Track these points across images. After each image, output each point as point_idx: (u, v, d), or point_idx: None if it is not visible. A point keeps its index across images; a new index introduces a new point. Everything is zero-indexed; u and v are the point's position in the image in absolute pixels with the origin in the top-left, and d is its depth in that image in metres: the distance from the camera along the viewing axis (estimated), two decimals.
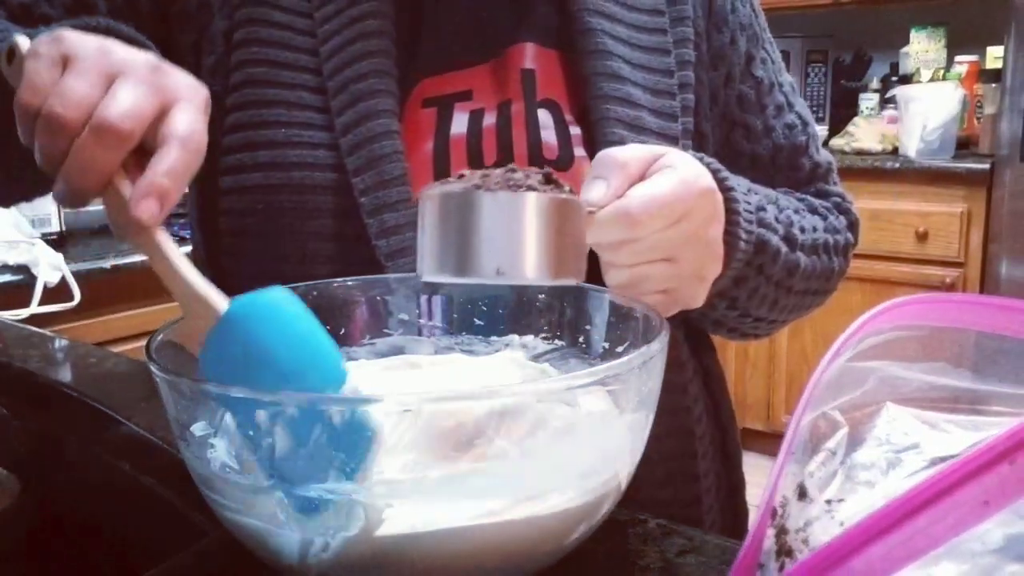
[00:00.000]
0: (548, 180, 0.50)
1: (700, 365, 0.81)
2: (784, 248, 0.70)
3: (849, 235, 0.81)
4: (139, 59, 0.49)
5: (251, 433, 0.42)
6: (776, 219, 0.70)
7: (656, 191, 0.54)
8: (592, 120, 0.72)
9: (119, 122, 0.45)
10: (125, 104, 0.46)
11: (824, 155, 0.84)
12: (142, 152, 0.47)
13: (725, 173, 0.63)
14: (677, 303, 0.60)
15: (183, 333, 0.47)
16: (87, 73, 0.47)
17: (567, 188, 0.51)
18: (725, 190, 0.62)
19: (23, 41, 0.50)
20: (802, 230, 0.73)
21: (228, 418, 0.46)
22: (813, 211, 0.79)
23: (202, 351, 0.45)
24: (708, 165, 0.61)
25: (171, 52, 0.72)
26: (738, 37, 0.78)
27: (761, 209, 0.68)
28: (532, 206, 0.49)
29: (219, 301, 0.45)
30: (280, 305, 0.44)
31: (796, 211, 0.75)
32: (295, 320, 0.44)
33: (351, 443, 0.40)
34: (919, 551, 0.29)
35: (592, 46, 0.72)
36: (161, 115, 0.47)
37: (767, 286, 0.70)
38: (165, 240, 0.46)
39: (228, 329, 0.44)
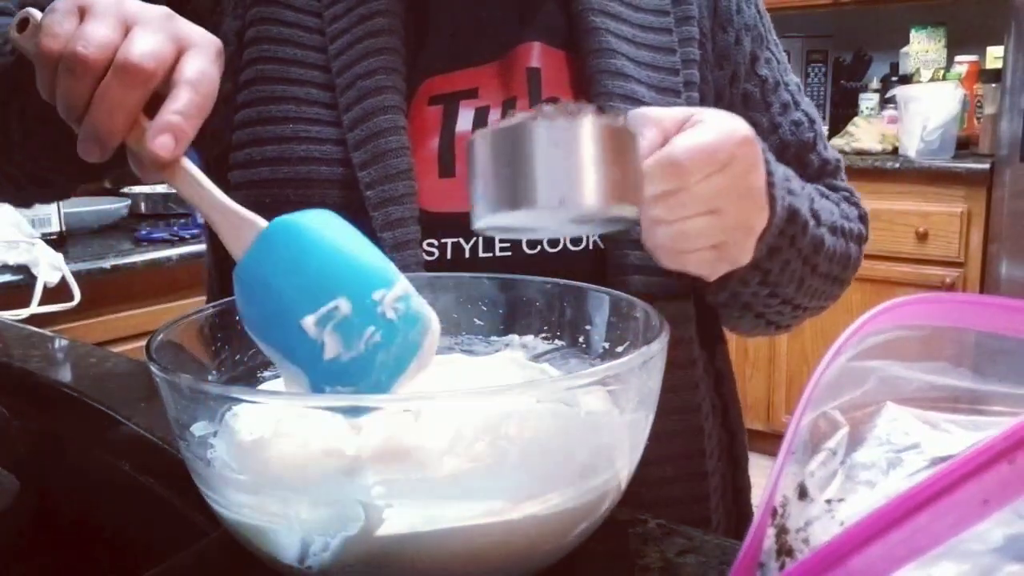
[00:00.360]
0: (601, 110, 0.49)
1: (711, 366, 0.81)
2: (811, 221, 0.70)
3: (860, 226, 0.81)
4: (153, 9, 0.51)
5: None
6: (802, 190, 0.70)
7: (700, 139, 0.54)
8: None
9: (142, 61, 0.48)
10: (146, 46, 0.48)
11: (832, 152, 0.84)
12: (158, 99, 0.49)
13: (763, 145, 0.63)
14: (725, 259, 0.61)
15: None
16: (105, 18, 0.49)
17: (621, 119, 0.50)
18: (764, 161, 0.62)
19: (36, 12, 0.52)
20: (822, 209, 0.73)
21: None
22: (825, 197, 0.79)
23: (245, 258, 0.47)
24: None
25: None
26: (743, 37, 0.79)
27: (788, 179, 0.67)
28: (590, 131, 0.47)
29: (255, 216, 0.48)
30: (326, 219, 0.47)
31: (816, 191, 0.76)
32: (344, 226, 0.47)
33: (402, 351, 0.45)
34: (919, 550, 0.29)
35: (596, 45, 0.73)
36: (176, 61, 0.50)
37: (797, 260, 0.70)
38: (191, 168, 0.49)
39: (275, 238, 0.47)
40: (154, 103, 0.49)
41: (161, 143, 0.47)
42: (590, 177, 0.47)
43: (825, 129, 0.92)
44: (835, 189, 0.83)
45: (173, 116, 0.47)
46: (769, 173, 0.62)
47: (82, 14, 0.50)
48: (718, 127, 0.55)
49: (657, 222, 0.56)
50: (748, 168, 0.58)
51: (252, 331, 0.48)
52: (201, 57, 0.50)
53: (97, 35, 0.48)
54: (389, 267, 0.48)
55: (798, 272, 0.71)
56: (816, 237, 0.71)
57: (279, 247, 0.47)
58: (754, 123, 0.79)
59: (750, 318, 0.79)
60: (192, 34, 0.51)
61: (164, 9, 0.52)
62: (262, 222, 0.48)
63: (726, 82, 0.79)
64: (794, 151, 0.81)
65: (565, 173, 0.47)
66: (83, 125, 0.48)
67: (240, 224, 0.48)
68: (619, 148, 0.48)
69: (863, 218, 0.83)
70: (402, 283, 0.47)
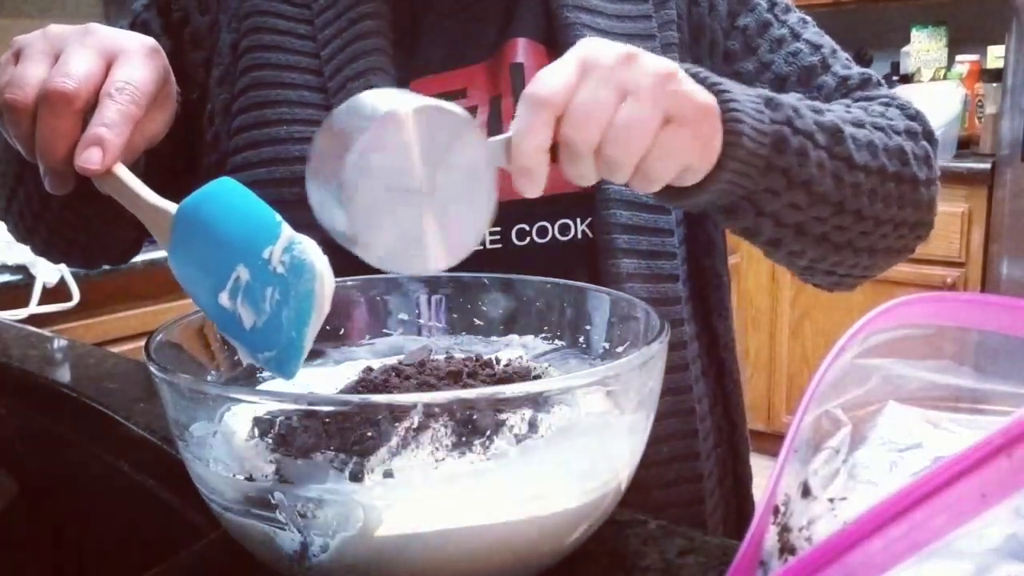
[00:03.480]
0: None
1: (712, 360, 0.81)
2: (809, 111, 0.63)
3: (909, 122, 0.73)
4: (74, 30, 0.53)
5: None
6: (796, 108, 0.62)
7: (544, 68, 0.50)
8: None
9: (63, 85, 0.49)
10: (66, 69, 0.50)
11: (856, 69, 0.80)
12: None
13: (708, 75, 0.58)
14: (692, 119, 0.52)
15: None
16: (33, 57, 0.51)
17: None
18: (711, 85, 0.57)
19: None
20: (831, 110, 0.67)
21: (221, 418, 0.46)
22: (847, 109, 0.72)
23: (169, 253, 0.49)
24: (687, 70, 0.56)
25: (183, 69, 0.76)
26: (717, 3, 0.79)
27: (772, 102, 0.61)
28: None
29: (170, 205, 0.49)
30: (215, 191, 0.48)
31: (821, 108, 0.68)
32: (234, 195, 0.48)
33: (299, 303, 0.45)
34: (918, 545, 0.29)
35: (572, 39, 0.74)
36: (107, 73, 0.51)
37: (809, 163, 0.62)
38: (123, 173, 0.50)
39: (181, 224, 0.48)
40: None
41: (86, 157, 0.48)
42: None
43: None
44: (870, 99, 0.77)
45: (98, 128, 0.49)
46: (728, 100, 0.56)
47: (16, 58, 0.52)
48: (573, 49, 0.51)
49: (604, 160, 0.51)
50: (607, 48, 0.51)
51: (206, 314, 0.49)
52: (127, 64, 0.52)
53: (25, 76, 0.50)
54: (275, 222, 0.47)
55: (828, 170, 0.63)
56: (826, 123, 0.64)
57: (185, 233, 0.48)
58: (738, 73, 0.77)
59: (801, 262, 0.70)
60: (117, 41, 0.53)
61: (86, 26, 0.53)
62: (174, 209, 0.49)
63: (706, 53, 0.79)
64: (797, 79, 0.78)
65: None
66: (39, 163, 0.51)
67: (162, 216, 0.49)
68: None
69: (913, 116, 0.75)
70: (285, 233, 0.47)
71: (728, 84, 0.58)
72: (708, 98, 0.55)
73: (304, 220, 0.49)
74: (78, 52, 0.51)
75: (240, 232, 0.47)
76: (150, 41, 0.54)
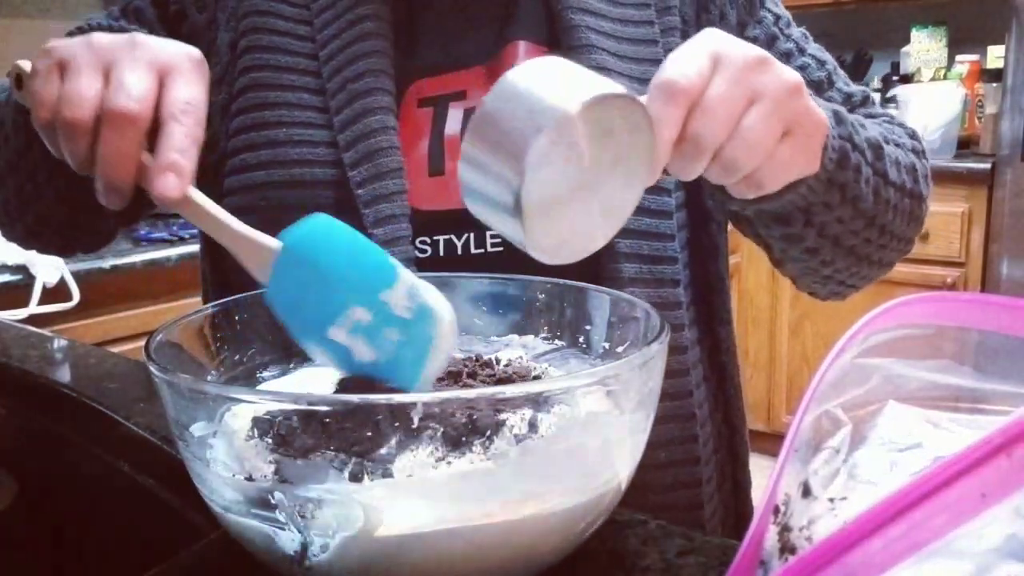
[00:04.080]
0: None
1: (713, 365, 0.81)
2: (861, 130, 0.64)
3: (913, 141, 0.76)
4: (122, 41, 0.52)
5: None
6: (854, 123, 0.64)
7: (675, 54, 0.50)
8: None
9: (127, 107, 0.49)
10: (127, 89, 0.49)
11: (856, 87, 0.82)
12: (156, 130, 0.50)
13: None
14: (807, 133, 0.54)
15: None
16: (82, 72, 0.50)
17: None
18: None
19: (26, 64, 0.54)
20: (864, 126, 0.68)
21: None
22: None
23: (269, 285, 0.50)
24: None
25: None
26: (727, 11, 0.79)
27: (839, 115, 0.62)
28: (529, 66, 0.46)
29: (268, 239, 0.50)
30: (327, 226, 0.50)
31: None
32: (341, 234, 0.50)
33: (419, 346, 0.49)
34: (918, 544, 0.29)
35: (576, 42, 0.74)
36: (161, 87, 0.51)
37: (859, 179, 0.64)
38: (201, 200, 0.51)
39: (287, 260, 0.49)
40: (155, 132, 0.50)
41: (165, 184, 0.48)
42: (562, 86, 0.45)
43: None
44: (872, 116, 0.79)
45: (171, 154, 0.49)
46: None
47: (62, 69, 0.51)
48: (693, 39, 0.51)
49: (717, 160, 0.50)
50: (738, 49, 0.51)
51: (303, 343, 0.51)
52: (183, 81, 0.51)
53: (80, 94, 0.50)
54: (388, 264, 0.49)
55: (871, 185, 0.65)
56: (872, 139, 0.66)
57: (290, 268, 0.49)
58: None
59: (819, 278, 0.73)
60: (167, 55, 0.52)
61: (132, 38, 0.52)
62: (274, 244, 0.50)
63: None
64: None
65: (529, 106, 0.44)
66: (96, 178, 0.50)
67: (256, 249, 0.50)
68: (558, 68, 0.46)
69: (912, 135, 0.78)
70: (404, 278, 0.49)
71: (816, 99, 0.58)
72: (823, 115, 0.57)
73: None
74: (132, 68, 0.50)
75: (355, 272, 0.49)
76: (196, 53, 0.54)
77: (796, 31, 0.82)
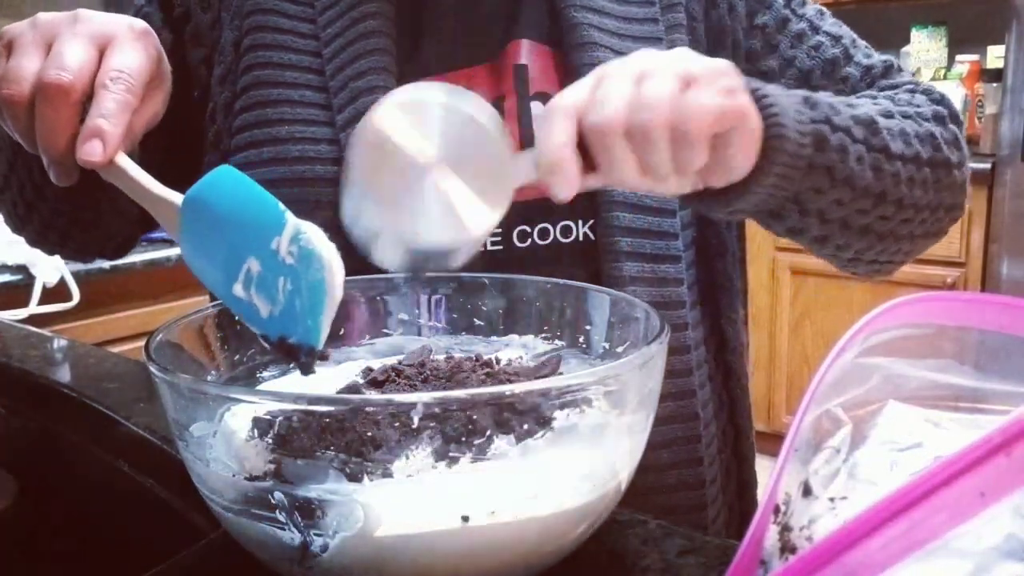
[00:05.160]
0: None
1: (719, 365, 0.80)
2: (845, 108, 0.63)
3: (935, 106, 0.74)
4: (63, 17, 0.53)
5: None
6: (832, 105, 0.62)
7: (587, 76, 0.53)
8: None
9: (59, 78, 0.49)
10: (58, 60, 0.50)
11: (877, 57, 0.80)
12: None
13: (754, 83, 0.58)
14: (745, 141, 0.53)
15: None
16: (25, 49, 0.51)
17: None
18: (751, 91, 0.56)
19: None
20: (861, 104, 0.67)
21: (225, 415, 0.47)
22: (873, 100, 0.72)
23: (181, 245, 0.50)
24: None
25: (184, 66, 0.76)
26: (736, 2, 0.78)
27: (809, 100, 0.61)
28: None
29: (177, 196, 0.49)
30: (217, 180, 0.49)
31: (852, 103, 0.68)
32: (238, 185, 0.48)
33: (311, 292, 0.47)
34: (917, 543, 0.29)
35: (579, 40, 0.73)
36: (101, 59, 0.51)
37: (848, 158, 0.62)
38: (125, 163, 0.51)
39: (188, 215, 0.49)
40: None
41: (87, 150, 0.49)
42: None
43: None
44: (894, 87, 0.77)
45: (97, 120, 0.49)
46: (769, 105, 0.56)
47: (8, 50, 0.52)
48: (613, 62, 0.53)
49: (609, 164, 0.51)
50: (677, 56, 0.52)
51: (226, 304, 0.50)
52: (120, 50, 0.52)
53: (19, 70, 0.50)
54: (279, 211, 0.48)
55: (867, 163, 0.63)
56: (862, 116, 0.64)
57: (193, 224, 0.49)
58: (763, 72, 0.77)
59: (846, 256, 0.71)
60: (107, 27, 0.53)
61: (75, 13, 0.53)
62: (179, 199, 0.49)
63: (728, 56, 0.77)
64: (821, 72, 0.78)
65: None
66: (41, 154, 0.51)
67: (168, 207, 0.50)
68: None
69: (939, 100, 0.75)
70: (291, 223, 0.48)
71: (767, 88, 0.58)
72: (747, 106, 0.54)
73: (303, 219, 0.49)
74: (70, 41, 0.51)
75: (247, 222, 0.48)
76: (139, 23, 0.54)
77: (810, 9, 0.81)
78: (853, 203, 0.64)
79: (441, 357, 0.57)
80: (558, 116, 0.50)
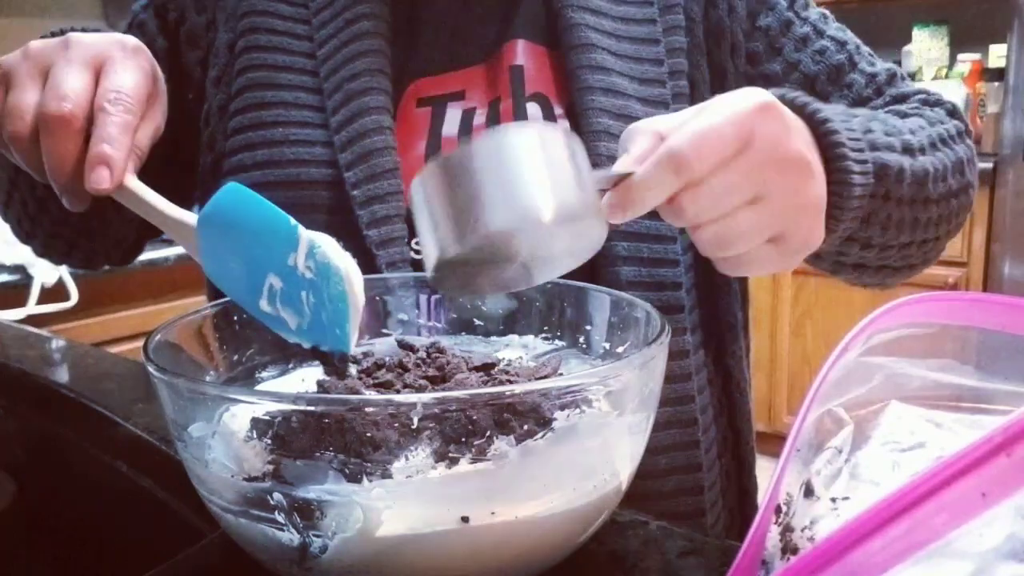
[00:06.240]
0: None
1: (718, 369, 0.80)
2: (907, 161, 0.62)
3: (955, 122, 0.73)
4: (54, 45, 0.53)
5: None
6: (886, 133, 0.62)
7: (699, 124, 0.46)
8: (578, 111, 0.72)
9: (59, 110, 0.49)
10: (56, 91, 0.50)
11: (881, 64, 0.80)
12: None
13: (813, 104, 0.55)
14: (794, 248, 0.52)
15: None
16: (20, 82, 0.52)
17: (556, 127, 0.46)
18: (820, 122, 0.55)
19: None
20: (912, 132, 0.66)
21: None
22: (904, 116, 0.71)
23: (203, 264, 0.50)
24: (782, 96, 0.54)
25: (179, 69, 0.77)
26: (736, 3, 0.77)
27: (868, 131, 0.60)
28: (515, 138, 0.42)
29: (192, 217, 0.50)
30: (228, 200, 0.49)
31: (896, 117, 0.69)
32: (248, 203, 0.49)
33: (334, 304, 0.49)
34: (918, 544, 0.29)
35: (576, 40, 0.73)
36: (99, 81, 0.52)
37: (900, 209, 0.63)
38: (138, 188, 0.51)
39: (204, 237, 0.50)
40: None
41: (95, 179, 0.49)
42: (536, 185, 0.41)
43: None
44: (904, 97, 0.77)
45: (100, 147, 0.49)
46: (837, 144, 0.54)
47: (5, 84, 0.53)
48: (721, 106, 0.47)
49: (695, 229, 0.49)
50: (778, 136, 0.48)
51: (257, 319, 0.51)
52: (114, 72, 0.52)
53: (19, 105, 0.51)
54: (291, 227, 0.49)
55: (907, 217, 0.64)
56: (918, 173, 0.63)
57: (210, 245, 0.49)
58: (767, 75, 0.77)
59: (870, 273, 0.72)
60: (99, 49, 0.53)
61: (65, 39, 0.53)
62: (195, 221, 0.50)
63: (727, 56, 0.77)
64: (827, 78, 0.77)
65: (500, 189, 0.41)
66: (51, 183, 0.51)
67: (184, 229, 0.50)
68: (553, 149, 0.43)
69: (953, 113, 0.74)
70: (304, 238, 0.48)
71: (841, 135, 0.55)
72: (819, 231, 0.53)
73: (302, 224, 0.49)
74: (65, 69, 0.51)
75: (262, 241, 0.48)
76: (131, 40, 0.55)
77: (814, 12, 0.80)
78: (882, 253, 0.66)
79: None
80: (674, 178, 0.46)
